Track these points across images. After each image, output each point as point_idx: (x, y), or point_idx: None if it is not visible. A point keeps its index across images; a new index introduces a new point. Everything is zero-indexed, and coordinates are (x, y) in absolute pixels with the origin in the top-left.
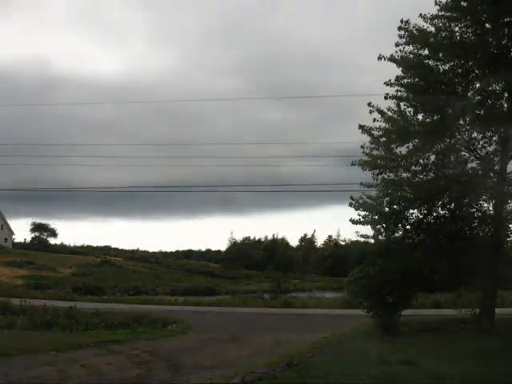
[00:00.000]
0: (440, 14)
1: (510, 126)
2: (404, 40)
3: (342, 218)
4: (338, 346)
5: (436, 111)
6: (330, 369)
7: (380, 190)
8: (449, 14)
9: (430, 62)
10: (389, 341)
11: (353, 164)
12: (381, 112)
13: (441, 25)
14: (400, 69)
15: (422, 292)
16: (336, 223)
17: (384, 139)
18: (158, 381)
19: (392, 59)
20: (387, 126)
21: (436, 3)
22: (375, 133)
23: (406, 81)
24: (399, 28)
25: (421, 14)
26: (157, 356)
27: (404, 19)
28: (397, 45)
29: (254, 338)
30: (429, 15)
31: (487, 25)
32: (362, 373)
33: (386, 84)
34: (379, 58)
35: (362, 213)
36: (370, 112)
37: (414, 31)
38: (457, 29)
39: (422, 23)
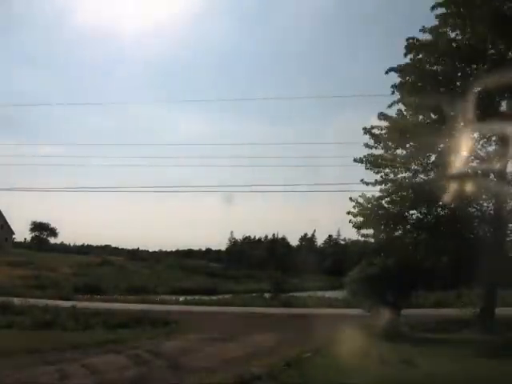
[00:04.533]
0: (439, 23)
1: (510, 126)
2: (411, 56)
3: (342, 217)
4: (338, 345)
5: (435, 111)
6: (330, 368)
7: (382, 189)
8: (448, 21)
9: (429, 65)
10: (389, 340)
11: (355, 160)
12: (383, 114)
13: (439, 31)
14: (400, 78)
15: (423, 291)
16: (336, 223)
17: (385, 139)
18: (158, 381)
19: (395, 70)
20: (388, 126)
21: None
22: (377, 133)
23: (406, 84)
24: (406, 49)
25: (421, 29)
26: (157, 356)
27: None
28: (406, 54)
29: (254, 337)
30: (428, 27)
31: (486, 29)
32: (361, 372)
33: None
34: (386, 72)
35: (362, 218)
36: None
37: (416, 43)
38: (457, 32)
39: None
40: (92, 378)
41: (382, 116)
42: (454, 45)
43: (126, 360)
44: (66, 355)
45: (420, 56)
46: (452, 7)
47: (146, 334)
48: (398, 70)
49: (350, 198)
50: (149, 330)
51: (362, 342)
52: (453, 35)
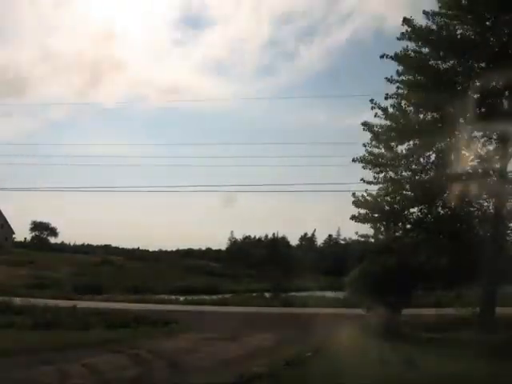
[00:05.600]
0: (441, 11)
1: (511, 124)
2: (407, 35)
3: (343, 216)
4: (338, 345)
5: (436, 109)
6: (330, 368)
7: (381, 188)
8: (450, 12)
9: (431, 61)
10: (389, 340)
11: (353, 160)
12: (383, 109)
13: (442, 23)
14: (401, 67)
15: (423, 291)
16: (336, 223)
17: (385, 137)
18: (158, 380)
19: (394, 57)
20: (388, 124)
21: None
22: (376, 130)
23: (406, 77)
24: (403, 21)
25: (424, 11)
26: (157, 355)
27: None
28: (399, 38)
29: (254, 337)
30: (430, 12)
31: (487, 23)
32: (361, 372)
33: (388, 80)
34: (381, 57)
35: (363, 211)
36: (372, 108)
37: (417, 27)
38: (458, 27)
39: (424, 20)
40: (92, 378)
41: (382, 112)
42: (456, 37)
43: (126, 360)
44: (65, 355)
45: (416, 46)
46: None
47: (146, 333)
48: (396, 58)
49: (353, 195)
50: (149, 330)
51: (362, 342)
52: (453, 27)
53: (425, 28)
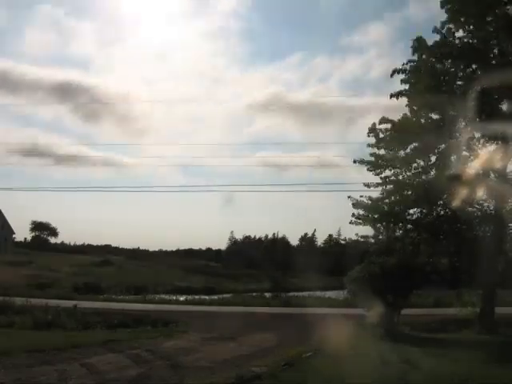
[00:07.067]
0: (447, 19)
1: (510, 125)
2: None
3: (343, 216)
4: (338, 345)
5: (437, 111)
6: (330, 368)
7: (383, 190)
8: (454, 17)
9: (432, 65)
10: (389, 340)
11: (355, 161)
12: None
13: (447, 30)
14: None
15: (423, 291)
16: (336, 223)
17: (387, 138)
18: (158, 380)
19: (402, 71)
20: (390, 127)
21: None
22: (380, 133)
23: (411, 81)
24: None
25: (435, 28)
26: (157, 355)
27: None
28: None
29: (254, 337)
30: (440, 24)
31: (489, 28)
32: (361, 372)
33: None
34: (392, 74)
35: (362, 212)
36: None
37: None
38: (461, 31)
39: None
40: (92, 378)
41: (384, 120)
42: (457, 42)
43: (126, 360)
44: (65, 355)
45: (424, 57)
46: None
47: (146, 333)
48: (402, 71)
49: (349, 197)
50: (149, 329)
51: (362, 342)
52: (459, 34)
53: (435, 43)
